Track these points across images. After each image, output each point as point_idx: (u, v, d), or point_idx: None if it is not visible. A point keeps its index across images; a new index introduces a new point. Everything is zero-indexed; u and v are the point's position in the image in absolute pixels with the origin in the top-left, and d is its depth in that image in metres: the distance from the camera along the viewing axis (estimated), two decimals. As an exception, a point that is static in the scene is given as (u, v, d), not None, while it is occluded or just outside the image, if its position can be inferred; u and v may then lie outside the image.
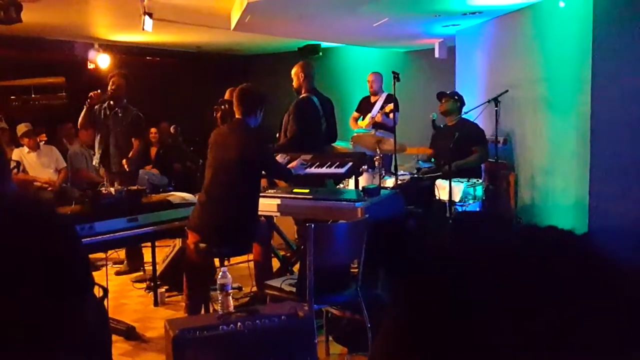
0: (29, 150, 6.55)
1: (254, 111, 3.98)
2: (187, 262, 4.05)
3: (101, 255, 4.69)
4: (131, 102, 5.59)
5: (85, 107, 5.32)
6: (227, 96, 6.17)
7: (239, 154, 3.83)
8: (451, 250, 0.50)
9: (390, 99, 6.61)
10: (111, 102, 5.38)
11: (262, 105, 4.02)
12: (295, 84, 5.14)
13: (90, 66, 7.92)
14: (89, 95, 5.28)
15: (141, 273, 5.40)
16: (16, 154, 6.51)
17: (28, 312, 0.68)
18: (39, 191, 6.16)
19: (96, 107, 5.38)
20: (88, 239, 3.63)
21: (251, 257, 4.22)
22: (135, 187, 4.54)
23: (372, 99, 6.91)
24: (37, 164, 6.54)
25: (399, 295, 0.49)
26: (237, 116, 4.00)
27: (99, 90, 5.31)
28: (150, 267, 4.87)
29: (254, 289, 4.32)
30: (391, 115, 6.49)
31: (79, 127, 5.63)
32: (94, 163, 5.66)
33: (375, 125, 6.57)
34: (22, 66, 8.11)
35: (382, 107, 6.70)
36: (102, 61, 7.99)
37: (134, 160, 5.44)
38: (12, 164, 6.02)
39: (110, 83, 5.37)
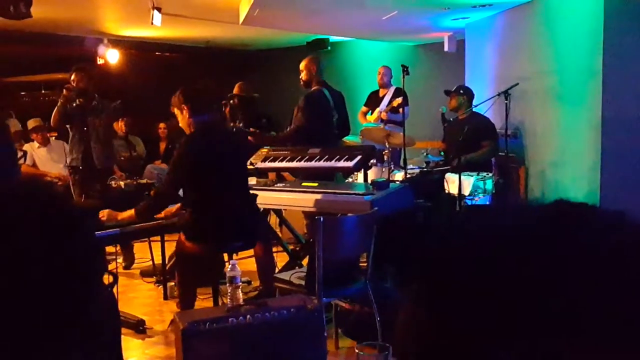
0: (39, 145, 6.58)
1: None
2: (179, 257, 3.95)
3: (111, 249, 4.72)
4: (140, 97, 5.58)
5: (59, 102, 5.14)
6: (236, 90, 6.18)
7: (242, 151, 3.89)
8: (463, 235, 0.49)
9: (398, 92, 6.60)
10: (80, 100, 5.14)
11: None
12: (304, 77, 5.10)
13: (100, 61, 7.95)
14: (65, 87, 5.11)
15: (149, 265, 5.42)
16: (26, 148, 6.56)
17: (36, 299, 0.67)
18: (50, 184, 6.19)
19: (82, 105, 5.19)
20: (97, 232, 3.64)
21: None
22: (144, 181, 4.56)
23: (381, 92, 6.92)
24: (47, 158, 6.57)
25: (416, 288, 0.48)
26: (198, 119, 3.75)
27: (70, 85, 5.15)
28: (160, 261, 4.88)
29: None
30: (400, 110, 6.50)
31: (52, 125, 5.35)
32: (67, 163, 5.42)
33: (384, 120, 6.57)
34: (32, 62, 8.14)
35: (390, 101, 6.70)
36: (111, 56, 8.02)
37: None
38: (19, 154, 6.03)
39: (71, 80, 5.18)
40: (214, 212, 3.72)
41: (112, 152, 5.49)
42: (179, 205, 3.94)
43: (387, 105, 6.75)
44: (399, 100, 6.35)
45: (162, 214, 3.91)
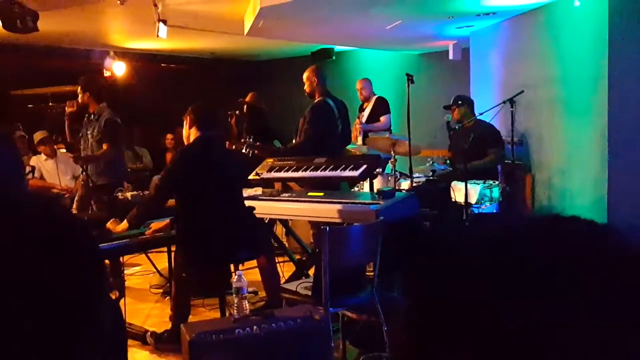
0: (46, 158, 6.62)
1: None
2: (177, 274, 3.95)
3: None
4: (147, 108, 5.54)
5: (65, 121, 5.24)
6: (248, 98, 6.28)
7: (242, 165, 3.92)
8: (469, 239, 0.50)
9: (378, 101, 6.70)
10: (90, 114, 5.14)
11: None
12: (308, 88, 5.12)
13: (107, 74, 8.00)
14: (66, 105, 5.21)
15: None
16: (33, 161, 6.59)
17: (38, 314, 0.67)
18: (56, 197, 6.21)
19: (85, 118, 5.19)
20: (105, 244, 3.65)
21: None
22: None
23: (365, 105, 6.96)
24: (54, 170, 6.60)
25: (419, 284, 0.49)
26: (198, 132, 3.84)
27: (73, 101, 5.19)
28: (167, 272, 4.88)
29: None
30: (382, 119, 6.55)
31: (69, 143, 5.44)
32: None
33: (365, 131, 6.60)
34: (39, 74, 8.20)
35: (371, 112, 6.77)
36: (118, 69, 8.07)
37: (92, 159, 5.03)
38: (27, 169, 6.06)
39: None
40: (207, 225, 3.74)
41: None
42: (167, 221, 3.96)
43: (366, 117, 6.83)
44: (364, 114, 6.68)
45: (150, 230, 3.94)
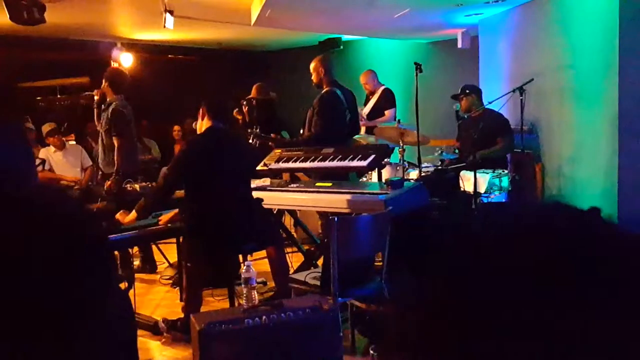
0: (55, 150, 6.65)
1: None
2: (185, 262, 3.95)
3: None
4: (154, 100, 5.57)
5: (94, 110, 5.40)
6: (253, 93, 6.21)
7: (250, 156, 3.99)
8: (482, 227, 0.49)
9: (384, 94, 6.59)
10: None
11: None
12: (315, 79, 5.09)
13: (114, 65, 8.00)
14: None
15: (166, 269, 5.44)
16: (43, 153, 6.62)
17: (47, 305, 0.67)
18: (65, 189, 6.24)
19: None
20: (114, 235, 3.67)
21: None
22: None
23: (371, 97, 6.83)
24: (64, 162, 6.63)
25: (430, 276, 0.48)
26: (210, 123, 3.88)
27: (98, 90, 5.34)
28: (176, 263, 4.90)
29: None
30: (387, 112, 6.44)
31: (98, 129, 5.53)
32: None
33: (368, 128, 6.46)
34: (47, 67, 8.22)
35: (374, 105, 6.65)
36: (125, 60, 8.07)
37: (116, 160, 5.09)
38: (38, 161, 6.09)
39: None
40: (214, 216, 3.75)
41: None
42: (176, 210, 3.96)
43: (369, 110, 6.68)
44: (362, 111, 6.41)
45: (161, 222, 3.95)
